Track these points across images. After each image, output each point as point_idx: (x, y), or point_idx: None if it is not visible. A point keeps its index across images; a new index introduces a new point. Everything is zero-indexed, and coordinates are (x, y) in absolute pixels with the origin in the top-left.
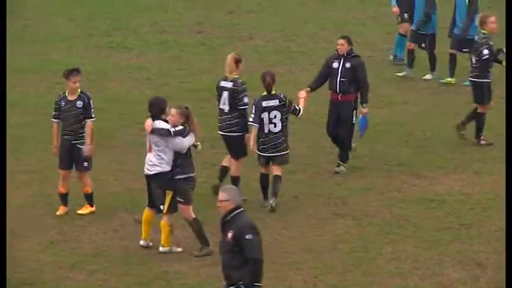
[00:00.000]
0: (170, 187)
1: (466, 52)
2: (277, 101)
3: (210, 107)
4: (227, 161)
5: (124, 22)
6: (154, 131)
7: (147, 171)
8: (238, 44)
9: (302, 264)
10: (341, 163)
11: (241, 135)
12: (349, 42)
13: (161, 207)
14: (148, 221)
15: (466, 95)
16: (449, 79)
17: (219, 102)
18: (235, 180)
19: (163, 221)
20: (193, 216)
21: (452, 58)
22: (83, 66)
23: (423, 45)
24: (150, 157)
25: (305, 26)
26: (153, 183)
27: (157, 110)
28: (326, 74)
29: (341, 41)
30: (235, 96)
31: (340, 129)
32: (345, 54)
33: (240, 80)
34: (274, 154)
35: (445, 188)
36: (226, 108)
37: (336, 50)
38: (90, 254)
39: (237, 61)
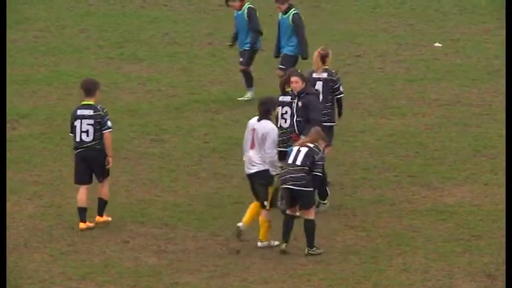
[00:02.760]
0: (271, 183)
1: (282, 68)
2: (289, 97)
3: (220, 119)
4: None
5: (135, 33)
6: (267, 131)
7: (248, 170)
8: None
9: (313, 276)
10: (321, 201)
11: (330, 126)
12: (303, 79)
13: (265, 203)
14: (259, 221)
15: (477, 107)
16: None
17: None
18: None
19: (263, 217)
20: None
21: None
22: (94, 77)
23: (241, 59)
24: (252, 155)
25: (315, 37)
26: (256, 180)
27: (264, 109)
28: None
29: (294, 78)
30: (330, 85)
31: None
32: (302, 92)
33: (333, 70)
34: (285, 149)
35: (456, 200)
36: (320, 97)
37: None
38: (101, 265)
39: (323, 57)
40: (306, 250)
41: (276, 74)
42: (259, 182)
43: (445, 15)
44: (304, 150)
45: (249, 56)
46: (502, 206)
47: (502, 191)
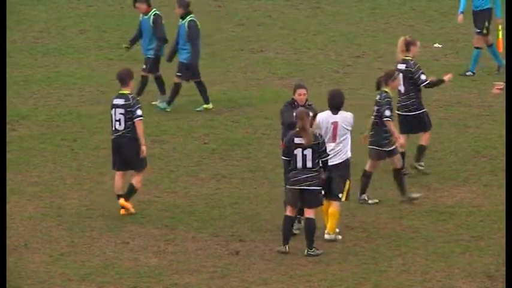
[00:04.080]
0: (348, 176)
1: (179, 76)
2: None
3: (220, 119)
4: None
5: (133, 34)
6: (344, 121)
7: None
8: (249, 56)
9: (312, 276)
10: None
11: (420, 113)
12: (307, 90)
13: (340, 195)
14: (329, 212)
15: (477, 107)
16: (162, 105)
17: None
18: (422, 148)
19: (334, 209)
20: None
21: (177, 86)
22: (94, 78)
23: (144, 66)
24: (333, 147)
25: (315, 38)
26: (336, 172)
27: (336, 102)
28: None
29: (302, 91)
30: (410, 77)
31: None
32: (305, 103)
33: (412, 61)
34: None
35: (456, 200)
36: (402, 89)
37: (293, 100)
38: (101, 266)
39: (408, 44)
40: (306, 251)
41: (174, 81)
42: (340, 173)
43: (445, 16)
44: (308, 152)
45: (153, 63)
46: (502, 207)
47: (502, 192)
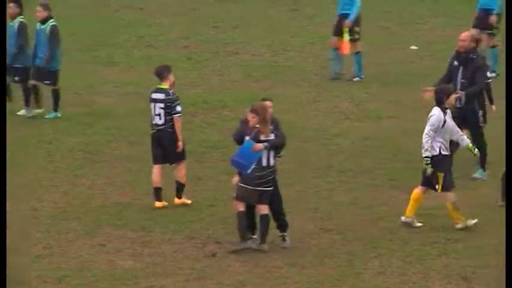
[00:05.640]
0: (440, 170)
1: (48, 84)
2: None
3: (196, 122)
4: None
5: (109, 37)
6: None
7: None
8: (224, 58)
9: (288, 279)
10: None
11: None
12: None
13: (436, 187)
14: (416, 198)
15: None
16: (38, 111)
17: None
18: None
19: (447, 203)
20: None
21: (36, 89)
22: (69, 81)
23: (16, 78)
24: (423, 140)
25: (293, 40)
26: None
27: (437, 98)
28: None
29: (269, 103)
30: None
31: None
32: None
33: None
34: None
35: (434, 203)
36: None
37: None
38: (76, 268)
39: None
40: (259, 245)
41: (30, 85)
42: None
43: (421, 19)
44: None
45: (24, 74)
46: (479, 209)
47: (480, 195)
